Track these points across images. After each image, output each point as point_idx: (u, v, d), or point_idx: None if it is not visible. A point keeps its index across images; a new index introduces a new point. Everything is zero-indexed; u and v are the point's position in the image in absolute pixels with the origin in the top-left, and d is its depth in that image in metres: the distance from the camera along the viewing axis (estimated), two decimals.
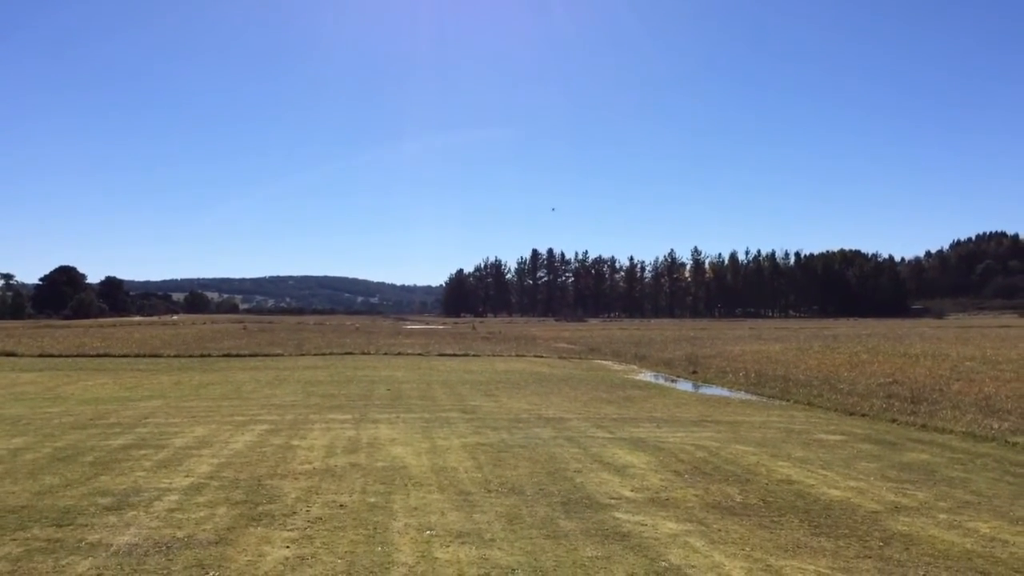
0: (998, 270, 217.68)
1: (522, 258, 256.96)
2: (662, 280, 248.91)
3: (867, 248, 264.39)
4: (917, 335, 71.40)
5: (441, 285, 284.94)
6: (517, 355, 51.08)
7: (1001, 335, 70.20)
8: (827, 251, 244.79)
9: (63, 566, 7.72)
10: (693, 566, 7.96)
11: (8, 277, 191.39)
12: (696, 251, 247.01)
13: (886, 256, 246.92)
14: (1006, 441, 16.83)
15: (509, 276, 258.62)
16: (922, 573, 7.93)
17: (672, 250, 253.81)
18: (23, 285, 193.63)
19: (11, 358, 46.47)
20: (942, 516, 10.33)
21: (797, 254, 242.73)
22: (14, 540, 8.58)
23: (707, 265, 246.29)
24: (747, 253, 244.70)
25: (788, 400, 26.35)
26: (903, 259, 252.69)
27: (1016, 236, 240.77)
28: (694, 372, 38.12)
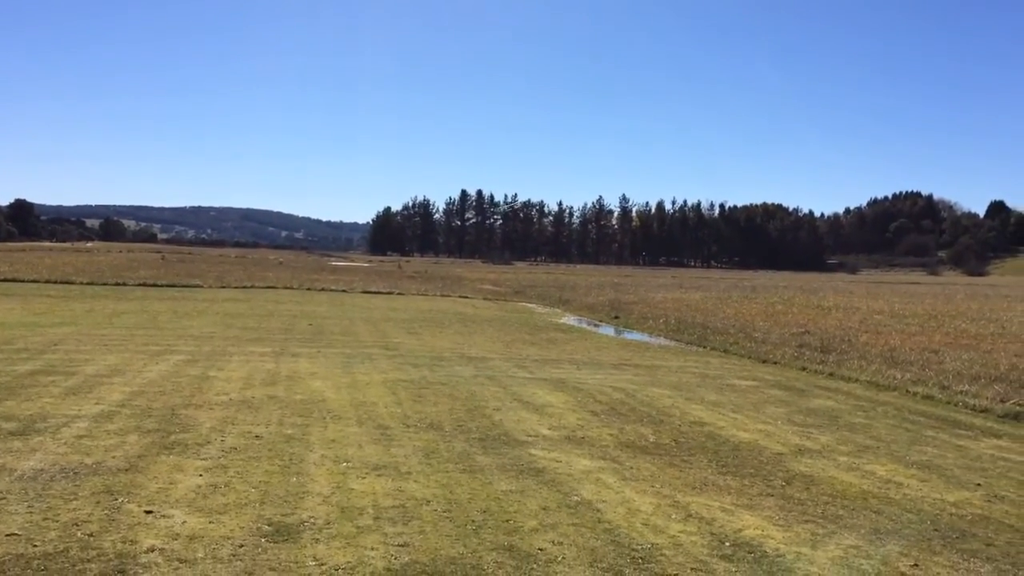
0: (911, 229, 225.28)
1: (451, 199, 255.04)
2: (589, 227, 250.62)
3: (789, 203, 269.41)
4: (831, 288, 73.79)
5: (367, 223, 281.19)
6: (442, 295, 51.04)
7: (910, 291, 73.09)
8: (750, 204, 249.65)
9: None
10: (604, 501, 8.16)
11: None
12: (624, 199, 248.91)
13: (806, 211, 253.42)
14: (907, 391, 17.62)
15: (437, 216, 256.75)
16: (820, 511, 8.30)
17: (600, 197, 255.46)
18: None
19: None
20: (843, 459, 10.80)
21: (722, 206, 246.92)
22: None
23: (634, 213, 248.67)
24: (674, 203, 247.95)
25: (705, 347, 27.02)
26: (823, 215, 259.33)
27: (930, 196, 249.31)
28: (616, 317, 38.71)
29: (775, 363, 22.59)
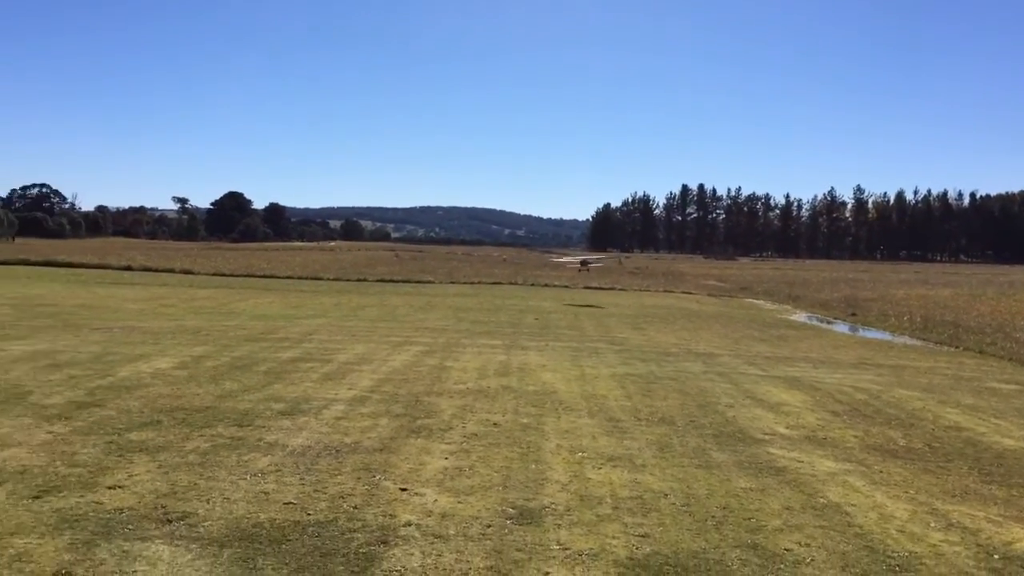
0: None
1: (671, 193, 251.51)
2: (820, 219, 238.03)
3: None
4: None
5: (587, 219, 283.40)
6: (665, 291, 50.52)
7: None
8: (1006, 192, 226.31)
9: (245, 461, 8.36)
10: (853, 504, 7.74)
11: (183, 201, 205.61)
12: (859, 189, 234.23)
13: None
14: None
15: (657, 212, 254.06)
16: None
17: (832, 188, 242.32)
18: (196, 209, 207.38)
19: (189, 275, 50.11)
20: None
21: (972, 195, 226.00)
22: (201, 436, 9.35)
23: (870, 204, 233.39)
24: (915, 193, 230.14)
25: (957, 347, 24.89)
26: None
27: None
28: (853, 314, 36.55)
29: None
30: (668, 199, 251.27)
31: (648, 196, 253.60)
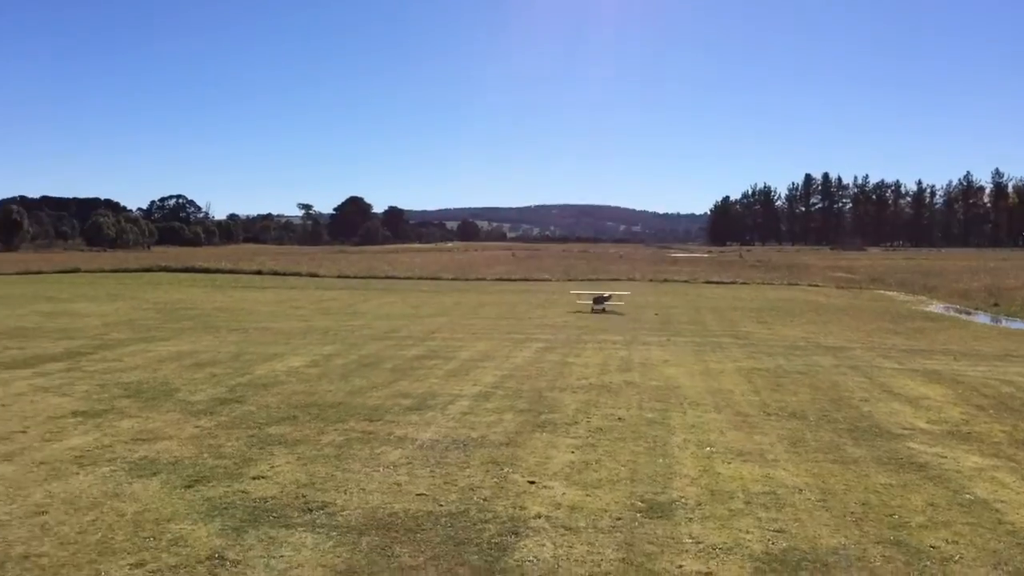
0: None
1: (793, 184, 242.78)
2: (955, 206, 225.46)
3: None
4: None
5: (705, 213, 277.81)
6: (789, 284, 49.02)
7: None
8: None
9: (377, 454, 8.62)
10: (1003, 501, 7.32)
11: (308, 207, 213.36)
12: (997, 174, 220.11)
13: None
14: None
15: (779, 203, 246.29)
16: None
17: (968, 173, 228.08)
18: (320, 214, 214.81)
19: (315, 278, 52.00)
20: None
21: None
22: (335, 430, 9.70)
23: (1010, 189, 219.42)
24: None
25: None
26: None
27: None
28: (995, 304, 34.49)
29: None
30: (790, 189, 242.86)
31: (769, 187, 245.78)
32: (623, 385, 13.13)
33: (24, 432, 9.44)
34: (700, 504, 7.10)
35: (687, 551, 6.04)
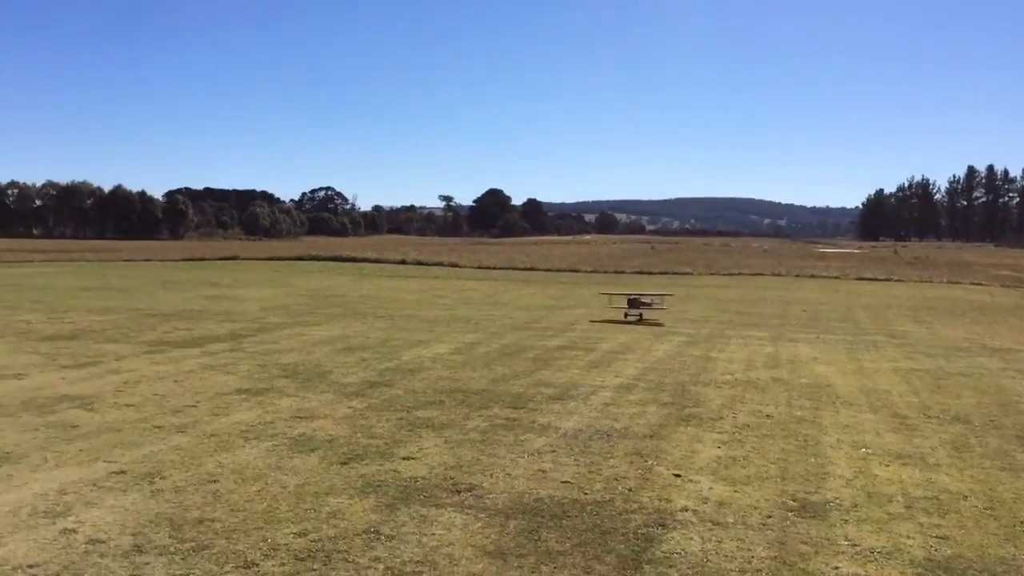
0: None
1: (954, 176, 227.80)
2: None
3: None
4: None
5: (856, 207, 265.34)
6: (949, 282, 46.23)
7: None
8: None
9: (521, 440, 8.74)
10: None
11: (448, 199, 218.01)
12: None
13: None
14: None
15: (938, 197, 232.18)
16: None
17: None
18: (460, 206, 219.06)
19: (455, 268, 53.11)
20: None
21: None
22: (480, 416, 9.89)
23: None
24: None
25: None
26: None
27: None
28: None
29: None
30: (951, 182, 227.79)
31: (928, 180, 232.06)
32: (770, 382, 12.76)
33: (195, 406, 10.11)
34: (856, 506, 6.82)
35: (843, 553, 5.82)
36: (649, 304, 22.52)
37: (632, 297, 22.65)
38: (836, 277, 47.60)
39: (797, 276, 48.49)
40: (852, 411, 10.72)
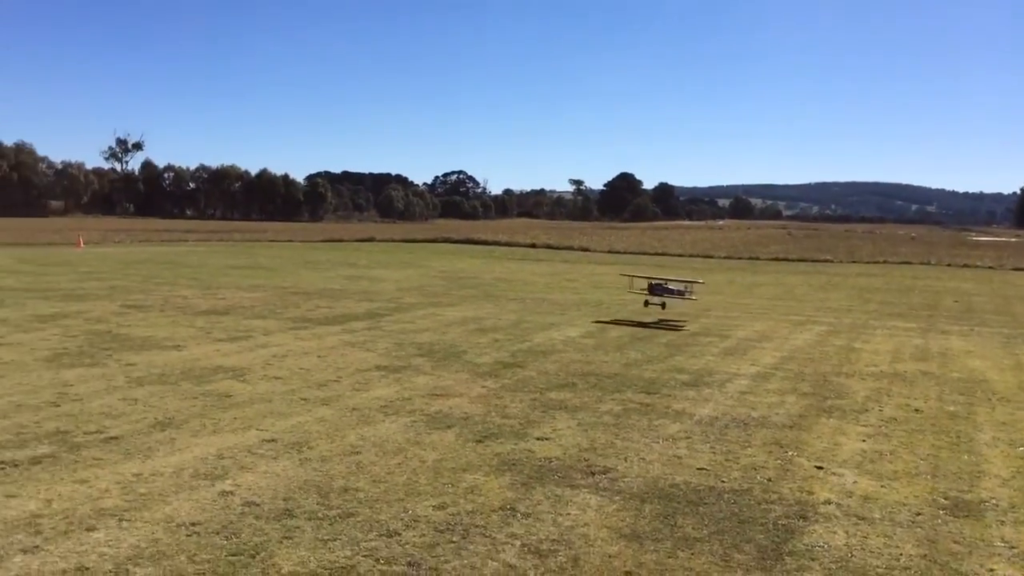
0: None
1: None
2: None
3: None
4: None
5: (1014, 193, 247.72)
6: None
7: None
8: None
9: (655, 425, 8.67)
10: None
11: (579, 183, 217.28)
12: None
13: None
14: None
15: None
16: None
17: None
18: (590, 190, 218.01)
19: (586, 252, 53.01)
20: None
21: None
22: (613, 399, 9.88)
23: None
24: None
25: None
26: None
27: None
28: None
29: None
30: None
31: None
32: (919, 375, 12.16)
33: (338, 381, 10.54)
34: (1014, 507, 6.43)
35: (999, 555, 5.51)
36: (680, 293, 19.08)
37: (655, 282, 19.35)
38: (991, 267, 44.72)
39: (948, 265, 45.85)
40: (1009, 408, 10.09)
